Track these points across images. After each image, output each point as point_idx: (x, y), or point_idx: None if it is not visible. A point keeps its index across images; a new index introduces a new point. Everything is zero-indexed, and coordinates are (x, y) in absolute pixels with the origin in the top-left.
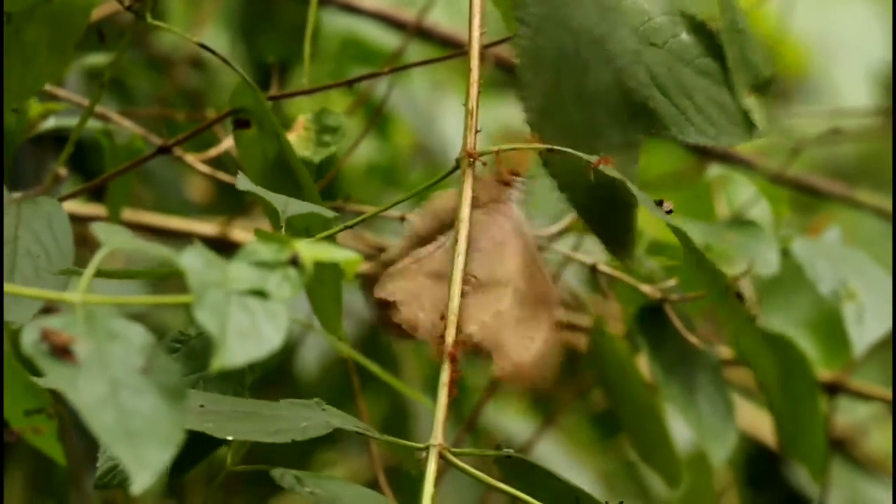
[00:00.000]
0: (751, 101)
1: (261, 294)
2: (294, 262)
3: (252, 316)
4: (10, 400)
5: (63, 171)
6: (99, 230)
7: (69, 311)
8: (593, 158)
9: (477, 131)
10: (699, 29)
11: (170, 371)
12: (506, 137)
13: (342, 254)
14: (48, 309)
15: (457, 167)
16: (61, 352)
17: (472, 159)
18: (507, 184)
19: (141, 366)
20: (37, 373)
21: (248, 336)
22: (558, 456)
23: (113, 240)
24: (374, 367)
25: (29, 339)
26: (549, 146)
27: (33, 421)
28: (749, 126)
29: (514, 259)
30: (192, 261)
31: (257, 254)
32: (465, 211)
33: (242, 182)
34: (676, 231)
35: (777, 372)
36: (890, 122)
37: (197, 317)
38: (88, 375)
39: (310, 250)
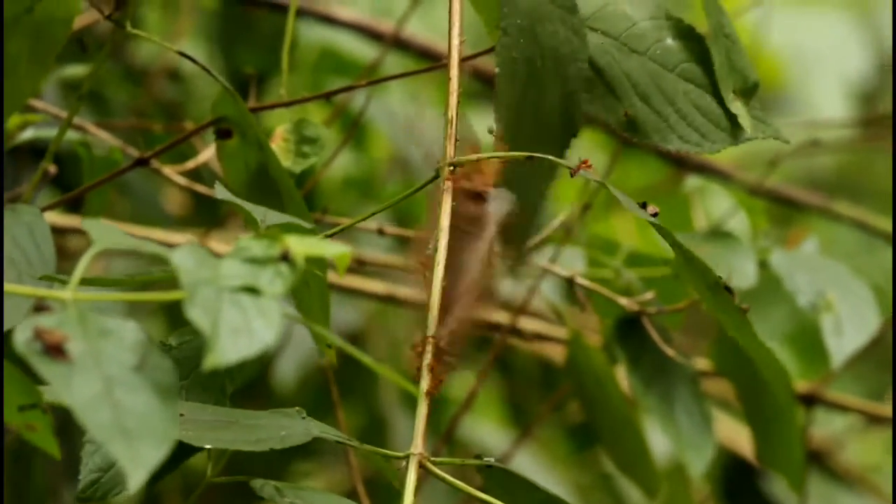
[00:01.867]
0: (738, 106)
1: (253, 291)
2: (285, 257)
3: (244, 313)
4: (5, 396)
5: (53, 169)
6: (90, 228)
7: (61, 309)
8: (573, 164)
9: (456, 140)
10: (685, 33)
11: (163, 368)
12: (471, 149)
13: (334, 248)
14: (38, 308)
15: (436, 176)
16: (55, 350)
17: (451, 168)
18: (481, 195)
19: (134, 363)
20: (29, 369)
21: (240, 333)
22: (535, 468)
23: (104, 238)
24: (366, 360)
25: (22, 338)
26: (529, 153)
27: (27, 417)
28: (735, 130)
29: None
30: (184, 259)
31: (249, 250)
32: (445, 220)
33: (220, 192)
34: (661, 230)
35: (755, 383)
36: (868, 133)
37: (189, 314)
38: (82, 374)
39: (301, 245)
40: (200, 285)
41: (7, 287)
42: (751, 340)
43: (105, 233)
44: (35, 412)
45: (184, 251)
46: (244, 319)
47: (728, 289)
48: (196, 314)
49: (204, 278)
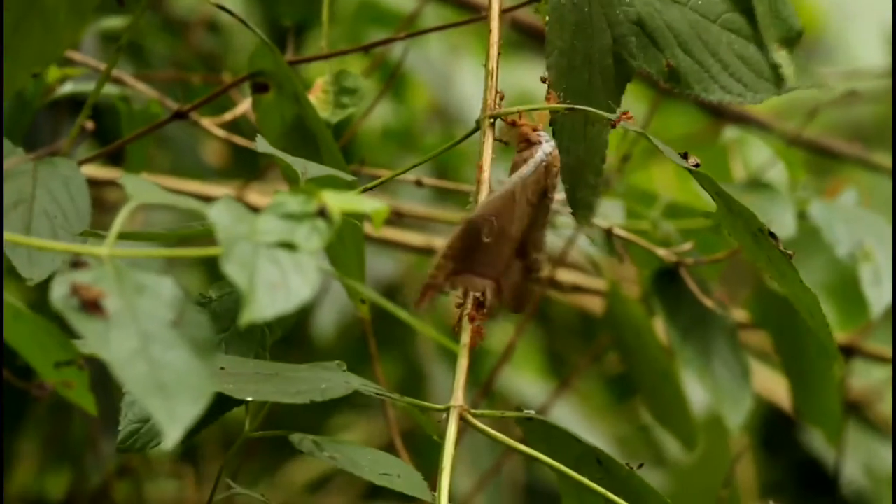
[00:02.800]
0: (781, 55)
1: (289, 246)
2: (322, 213)
3: (281, 268)
4: (41, 353)
5: (90, 125)
6: (127, 183)
7: (98, 265)
8: (613, 116)
9: (497, 92)
10: None
11: (200, 324)
12: (521, 100)
13: (370, 204)
14: (74, 264)
15: (477, 128)
16: (91, 306)
17: (492, 120)
18: (530, 141)
19: (171, 319)
20: (64, 325)
21: (277, 288)
22: (573, 419)
23: (141, 194)
24: (403, 315)
25: (58, 294)
26: (569, 105)
27: (63, 374)
28: (778, 80)
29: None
30: (221, 214)
31: (285, 206)
32: (486, 172)
33: (262, 144)
34: (703, 178)
35: (793, 335)
36: None
37: (225, 270)
38: (119, 330)
39: (337, 201)
40: (237, 241)
41: (44, 242)
42: (796, 287)
43: (142, 188)
44: (71, 368)
45: (220, 207)
46: (281, 275)
47: (773, 235)
48: (232, 270)
49: (240, 234)
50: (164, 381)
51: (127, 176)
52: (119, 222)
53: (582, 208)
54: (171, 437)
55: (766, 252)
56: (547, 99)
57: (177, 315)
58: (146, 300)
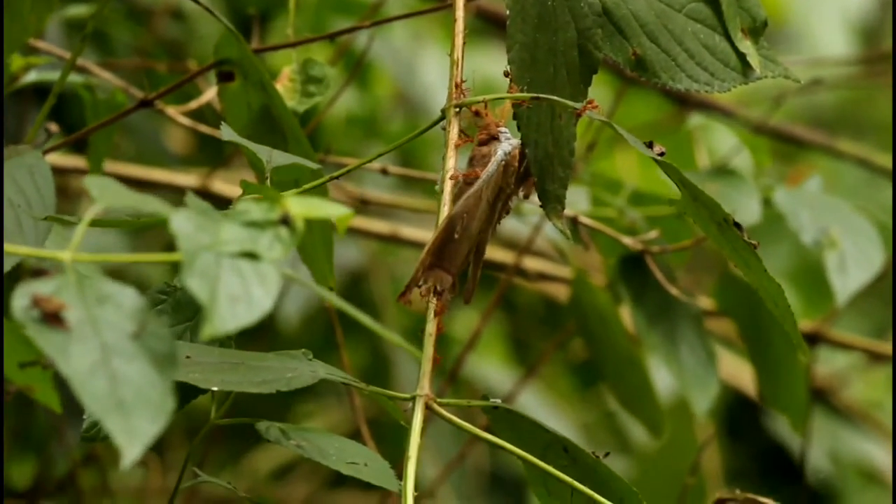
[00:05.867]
0: (746, 45)
1: (252, 256)
2: (285, 221)
3: (243, 279)
4: (6, 353)
5: (54, 127)
6: (91, 185)
7: (59, 271)
8: (578, 105)
9: (462, 82)
10: None
11: (161, 336)
12: (485, 88)
13: (334, 209)
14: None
15: (442, 117)
16: (52, 318)
17: (457, 109)
18: (491, 136)
19: (132, 331)
20: None
21: (238, 301)
22: (539, 406)
23: (105, 195)
24: (359, 317)
25: (19, 306)
26: (535, 94)
27: (28, 374)
28: (744, 69)
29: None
30: (182, 224)
31: (248, 213)
32: (451, 161)
33: (227, 132)
34: (668, 167)
35: (758, 322)
36: (869, 70)
37: (186, 283)
38: (80, 342)
39: (300, 207)
40: (199, 252)
41: (7, 246)
42: (760, 277)
43: (107, 190)
44: (35, 369)
45: (182, 215)
46: (243, 286)
47: (737, 225)
48: (194, 283)
49: (203, 244)
50: (123, 398)
51: (92, 177)
52: (80, 230)
53: (552, 201)
54: (130, 454)
55: (731, 242)
56: (510, 91)
57: (138, 326)
58: (108, 310)
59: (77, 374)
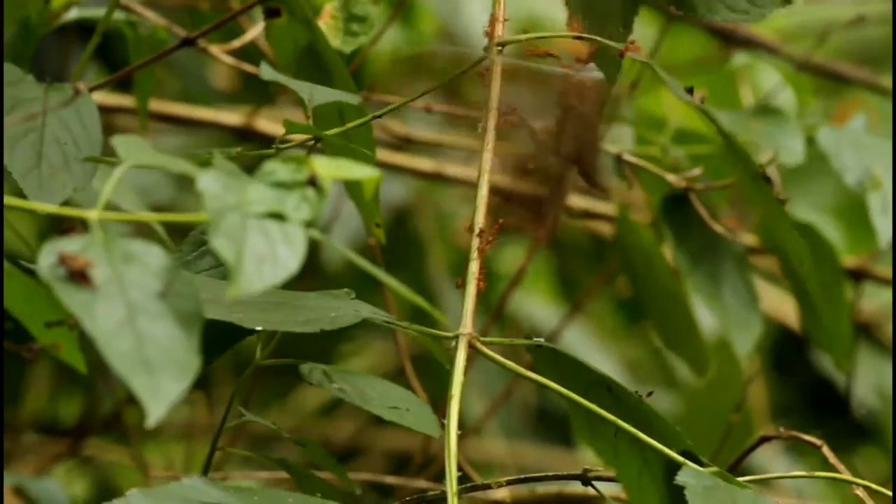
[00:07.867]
0: None
1: (278, 217)
2: (312, 182)
3: (269, 240)
4: (33, 312)
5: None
6: (119, 144)
7: (87, 229)
8: (620, 46)
9: (505, 20)
10: None
11: (187, 295)
12: (533, 27)
13: (362, 171)
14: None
15: (485, 56)
16: (78, 276)
17: (500, 48)
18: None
19: (158, 290)
20: None
21: (264, 261)
22: (584, 343)
23: (133, 156)
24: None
25: (45, 264)
26: (576, 34)
27: (54, 333)
28: None
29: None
30: (210, 184)
31: (275, 174)
32: (494, 100)
33: (266, 72)
34: (706, 114)
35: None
36: None
37: (213, 243)
38: (105, 301)
39: (329, 169)
40: (226, 212)
41: (26, 203)
42: (786, 234)
43: (135, 149)
44: (62, 329)
45: (210, 175)
46: (269, 247)
47: (767, 178)
48: (220, 244)
49: (230, 204)
50: (148, 357)
51: (119, 137)
52: (109, 188)
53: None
54: (155, 414)
55: (763, 195)
56: (569, 26)
57: (164, 285)
58: (134, 269)
59: (102, 333)
